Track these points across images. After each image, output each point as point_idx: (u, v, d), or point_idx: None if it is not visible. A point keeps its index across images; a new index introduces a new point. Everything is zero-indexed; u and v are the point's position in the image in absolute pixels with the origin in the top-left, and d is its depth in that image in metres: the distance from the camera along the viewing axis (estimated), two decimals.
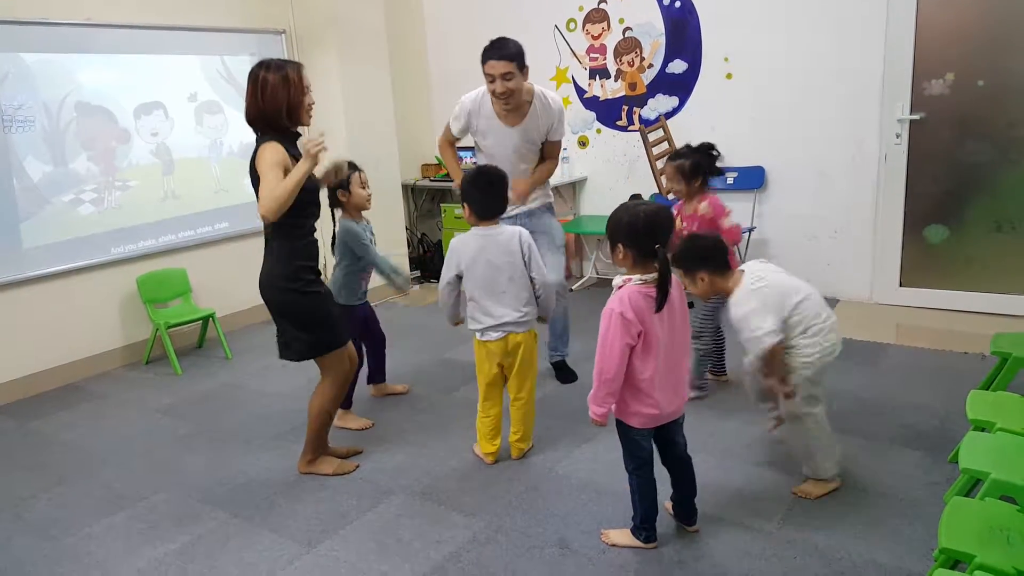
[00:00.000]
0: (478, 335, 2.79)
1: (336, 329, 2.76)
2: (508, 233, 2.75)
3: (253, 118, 2.62)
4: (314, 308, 2.68)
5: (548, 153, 3.51)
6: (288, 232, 2.62)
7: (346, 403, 3.32)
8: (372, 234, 3.22)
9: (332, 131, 5.09)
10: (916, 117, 4.21)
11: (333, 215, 3.20)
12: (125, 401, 3.78)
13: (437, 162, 6.04)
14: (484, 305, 2.74)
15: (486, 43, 3.20)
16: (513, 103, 3.27)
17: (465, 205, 2.78)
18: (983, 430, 2.27)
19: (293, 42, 5.04)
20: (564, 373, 3.65)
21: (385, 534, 2.46)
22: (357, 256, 3.15)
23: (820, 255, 4.67)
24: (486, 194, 2.75)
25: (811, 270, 4.71)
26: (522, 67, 3.21)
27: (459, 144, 6.09)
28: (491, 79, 3.18)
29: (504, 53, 3.13)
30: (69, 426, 3.51)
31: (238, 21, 4.71)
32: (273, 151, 2.53)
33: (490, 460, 2.86)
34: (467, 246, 2.75)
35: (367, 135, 5.16)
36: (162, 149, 4.41)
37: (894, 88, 4.23)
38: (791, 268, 5.06)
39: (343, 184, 3.09)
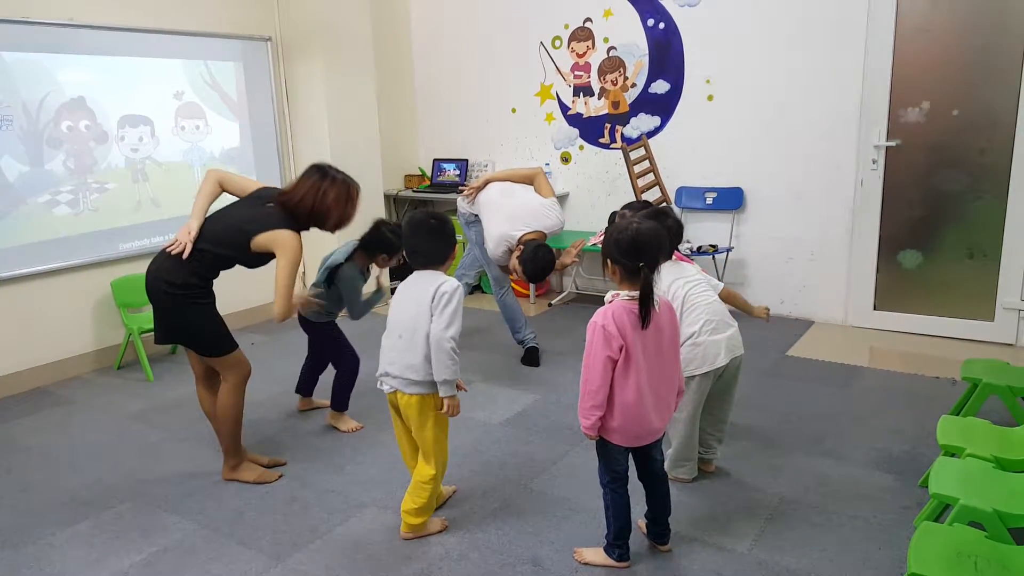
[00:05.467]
0: (378, 383, 2.48)
1: (224, 334, 2.78)
2: (429, 280, 2.36)
3: (289, 206, 2.72)
4: (208, 309, 2.74)
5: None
6: (217, 263, 2.71)
7: (342, 405, 3.36)
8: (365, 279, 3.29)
9: (315, 139, 5.09)
10: (892, 144, 4.30)
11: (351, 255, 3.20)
12: (95, 406, 3.71)
13: (420, 173, 6.04)
14: (384, 350, 2.43)
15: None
16: None
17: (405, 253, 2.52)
18: (953, 455, 2.31)
19: (279, 50, 5.02)
20: (529, 356, 4.12)
21: (356, 549, 2.43)
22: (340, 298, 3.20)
23: (796, 277, 4.73)
24: (420, 243, 2.42)
25: (787, 291, 4.78)
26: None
27: (443, 157, 6.12)
28: (517, 273, 3.71)
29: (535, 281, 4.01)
30: (35, 431, 3.44)
31: (223, 27, 4.69)
32: (296, 250, 2.65)
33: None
34: (403, 284, 2.47)
35: (350, 144, 5.15)
36: (142, 153, 4.37)
37: (871, 115, 4.31)
38: (767, 289, 5.10)
39: (395, 249, 3.15)
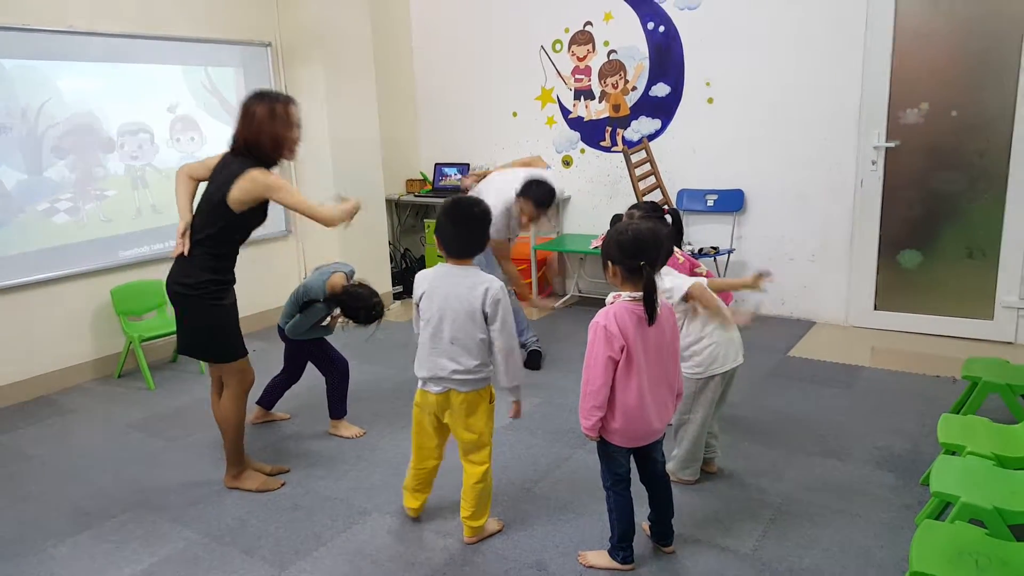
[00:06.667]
0: (420, 383, 2.44)
1: (233, 341, 2.77)
2: (474, 281, 2.29)
3: (236, 146, 2.66)
4: (223, 313, 2.71)
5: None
6: (219, 246, 2.66)
7: (340, 412, 3.35)
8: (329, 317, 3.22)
9: (316, 145, 5.09)
10: (891, 145, 4.30)
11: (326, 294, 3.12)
12: (95, 415, 3.71)
13: (422, 178, 6.05)
14: (425, 352, 2.37)
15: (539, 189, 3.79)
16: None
17: (436, 238, 2.37)
18: (954, 453, 2.31)
19: (279, 55, 5.03)
20: (531, 359, 4.08)
21: (360, 556, 2.43)
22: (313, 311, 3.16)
23: (797, 278, 4.73)
24: (459, 229, 2.33)
25: (788, 292, 4.78)
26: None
27: (445, 161, 6.15)
28: (527, 215, 3.82)
29: (546, 205, 3.84)
30: (36, 440, 3.43)
31: (223, 33, 4.70)
32: (277, 179, 2.62)
33: (411, 515, 2.59)
34: (424, 279, 2.37)
35: (352, 149, 5.15)
36: (142, 159, 4.37)
37: (871, 116, 4.31)
38: (769, 290, 5.10)
39: (354, 315, 3.08)
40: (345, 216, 2.71)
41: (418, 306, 2.39)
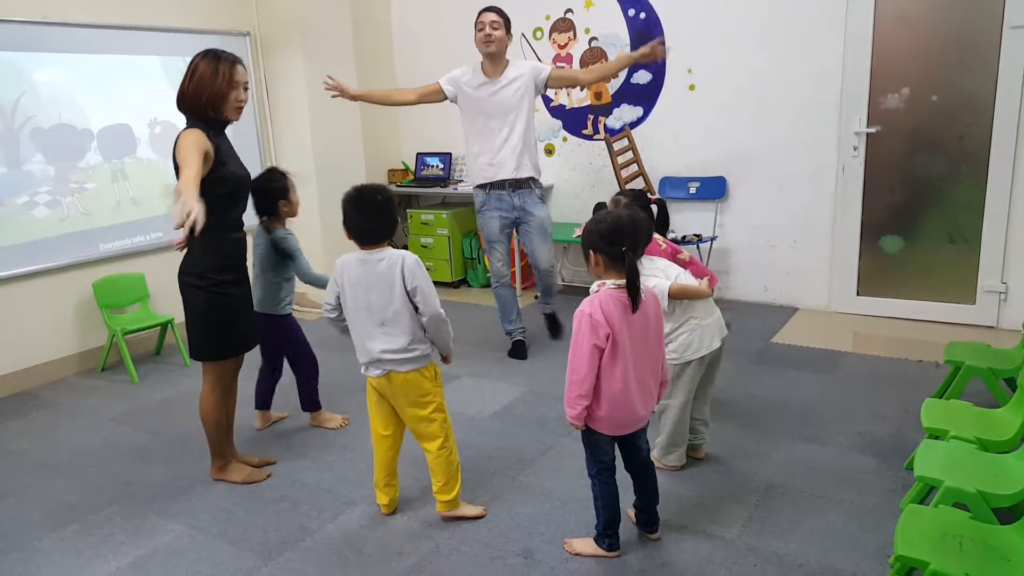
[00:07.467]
0: (362, 369, 2.48)
1: (236, 338, 2.72)
2: (389, 261, 2.34)
3: (180, 103, 2.60)
4: (215, 310, 2.63)
5: (565, 78, 4.16)
6: (212, 224, 2.48)
7: (317, 405, 3.33)
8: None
9: (297, 134, 5.05)
10: (873, 130, 4.32)
11: (263, 224, 3.09)
12: (79, 409, 3.67)
13: (403, 167, 6.01)
14: (361, 339, 2.41)
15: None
16: (496, 49, 3.84)
17: (345, 229, 2.40)
18: (937, 438, 2.33)
19: (258, 44, 4.97)
20: (553, 326, 4.31)
21: (346, 546, 2.43)
22: (285, 265, 3.11)
23: (780, 264, 4.76)
24: (366, 218, 2.36)
25: (771, 279, 4.81)
26: (507, 26, 3.89)
27: (426, 151, 6.06)
28: (481, 27, 3.83)
29: (494, 8, 3.90)
30: (20, 435, 3.40)
31: (201, 22, 4.63)
32: (195, 135, 2.50)
33: (384, 511, 2.60)
34: (349, 269, 2.40)
35: (332, 139, 5.11)
36: (121, 151, 4.31)
37: (852, 102, 4.33)
38: (752, 277, 5.13)
39: (283, 193, 3.05)
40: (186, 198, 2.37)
41: (337, 283, 2.42)
